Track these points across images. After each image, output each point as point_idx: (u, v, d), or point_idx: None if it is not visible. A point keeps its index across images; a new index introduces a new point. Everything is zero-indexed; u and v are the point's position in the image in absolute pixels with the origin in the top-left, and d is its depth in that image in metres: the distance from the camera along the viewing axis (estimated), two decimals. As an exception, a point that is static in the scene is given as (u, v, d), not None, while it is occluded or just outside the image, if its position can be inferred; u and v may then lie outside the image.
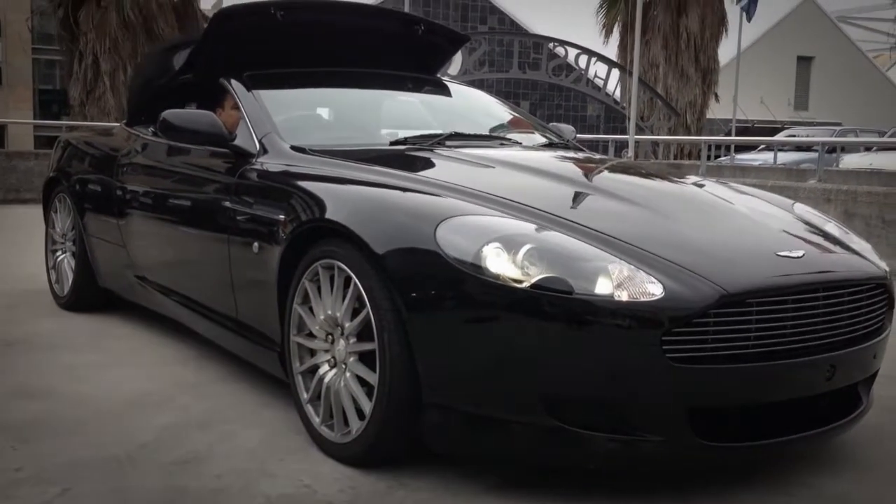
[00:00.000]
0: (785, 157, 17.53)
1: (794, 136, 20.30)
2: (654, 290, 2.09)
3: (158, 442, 2.58)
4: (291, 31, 3.70)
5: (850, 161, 16.46)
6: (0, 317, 4.21)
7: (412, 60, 4.12)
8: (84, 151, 4.51)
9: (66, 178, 4.47)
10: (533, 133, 3.87)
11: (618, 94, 21.66)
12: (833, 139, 15.65)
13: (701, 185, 3.01)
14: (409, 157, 3.09)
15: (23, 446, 2.52)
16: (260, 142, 3.12)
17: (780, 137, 19.52)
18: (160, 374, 3.28)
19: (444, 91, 4.25)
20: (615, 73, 20.71)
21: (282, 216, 2.71)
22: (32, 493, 2.20)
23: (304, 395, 2.60)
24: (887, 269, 2.64)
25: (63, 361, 3.45)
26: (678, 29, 20.37)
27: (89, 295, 4.34)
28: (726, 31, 21.35)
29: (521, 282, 2.09)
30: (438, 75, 4.42)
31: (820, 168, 9.27)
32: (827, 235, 2.70)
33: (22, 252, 6.18)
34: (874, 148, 16.71)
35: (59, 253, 4.59)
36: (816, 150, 11.20)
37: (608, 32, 21.88)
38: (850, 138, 18.28)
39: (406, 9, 15.57)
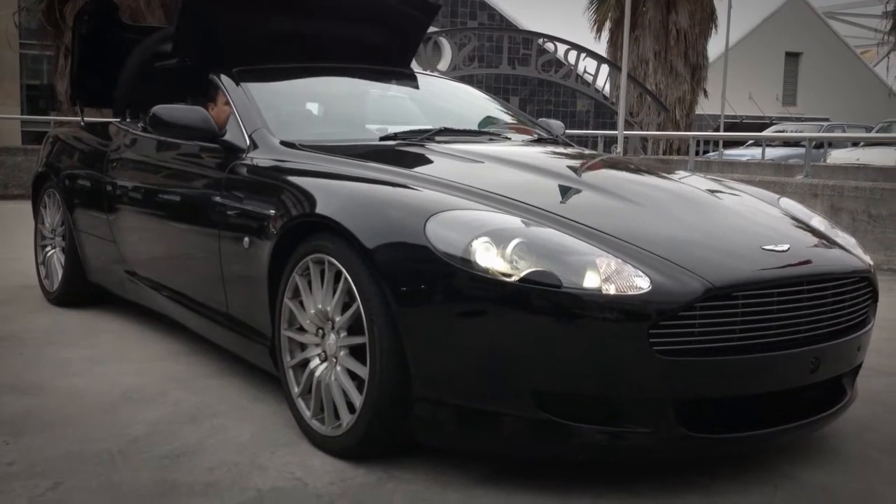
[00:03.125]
0: (773, 153, 17.64)
1: (782, 131, 20.39)
2: (641, 283, 2.11)
3: (150, 436, 2.59)
4: (267, 5, 3.74)
5: (837, 156, 16.58)
6: (-10, 312, 4.22)
7: (388, 32, 4.18)
8: (73, 147, 4.51)
9: (55, 173, 4.47)
10: (522, 129, 3.89)
11: (607, 89, 21.70)
12: (820, 135, 15.72)
13: (688, 180, 3.04)
14: (398, 152, 3.10)
15: (15, 440, 2.53)
16: (250, 137, 3.13)
17: (768, 133, 19.61)
18: (151, 369, 3.29)
19: (434, 86, 4.27)
20: (605, 68, 20.75)
21: (272, 211, 2.72)
22: (24, 487, 2.21)
23: (295, 389, 2.62)
24: (871, 262, 2.67)
25: (54, 356, 3.45)
26: (668, 25, 20.44)
27: (79, 290, 4.35)
28: (716, 27, 21.45)
29: (510, 276, 2.11)
30: (430, 71, 4.44)
31: (807, 163, 9.32)
32: (812, 230, 2.73)
33: (11, 247, 6.17)
34: (861, 143, 16.81)
35: (48, 248, 4.59)
36: (804, 146, 11.26)
37: (599, 28, 21.92)
38: (838, 133, 18.38)
39: (395, 4, 15.54)
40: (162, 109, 3.19)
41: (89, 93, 4.61)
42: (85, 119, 4.69)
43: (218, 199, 3.03)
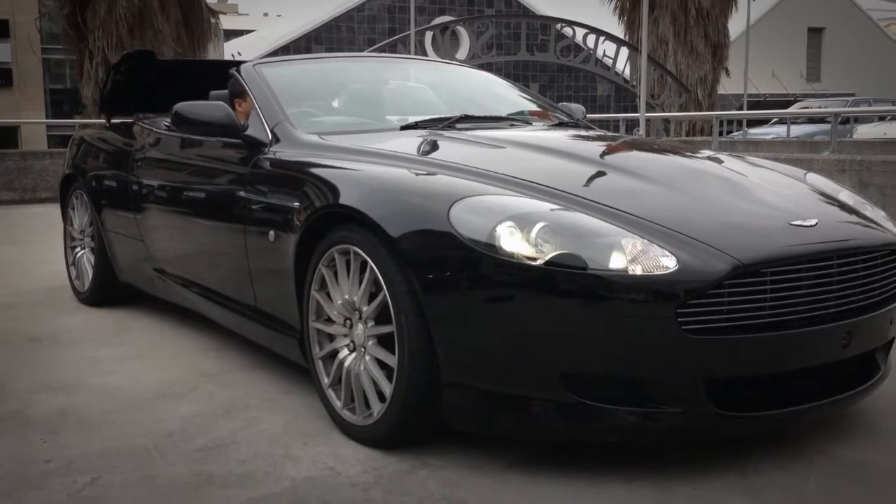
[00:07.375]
0: (798, 130, 17.42)
1: (806, 108, 20.14)
2: (667, 263, 2.10)
3: (184, 430, 2.62)
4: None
5: (864, 131, 16.35)
6: (24, 314, 4.28)
7: None
8: (98, 148, 4.56)
9: (81, 174, 4.52)
10: (543, 113, 3.87)
11: (627, 72, 21.54)
12: (845, 109, 15.52)
13: (713, 159, 3.01)
14: (419, 140, 3.10)
15: (52, 438, 2.57)
16: (272, 131, 3.14)
17: (792, 110, 19.38)
18: (183, 365, 3.33)
19: (454, 75, 4.26)
20: (624, 51, 20.60)
21: (296, 203, 2.73)
22: (63, 484, 2.25)
23: (325, 380, 2.63)
24: (902, 235, 2.63)
25: (88, 355, 3.50)
26: (687, 5, 20.21)
27: (109, 289, 4.40)
28: (736, 5, 21.17)
29: (535, 259, 2.11)
30: (448, 59, 4.44)
31: (833, 139, 9.21)
32: (840, 204, 2.70)
33: (41, 250, 6.26)
34: (888, 117, 16.57)
35: (77, 249, 4.65)
36: (829, 122, 11.11)
37: (622, 12, 21.66)
38: (863, 108, 18.11)
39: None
40: (184, 107, 3.21)
41: (119, 107, 4.72)
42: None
43: (242, 193, 3.05)
